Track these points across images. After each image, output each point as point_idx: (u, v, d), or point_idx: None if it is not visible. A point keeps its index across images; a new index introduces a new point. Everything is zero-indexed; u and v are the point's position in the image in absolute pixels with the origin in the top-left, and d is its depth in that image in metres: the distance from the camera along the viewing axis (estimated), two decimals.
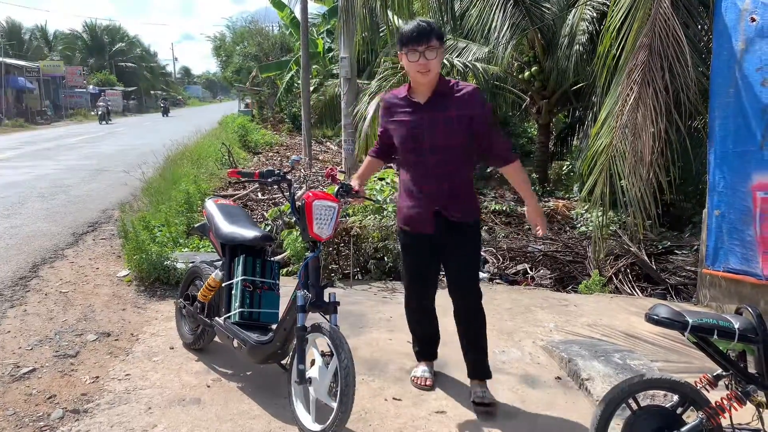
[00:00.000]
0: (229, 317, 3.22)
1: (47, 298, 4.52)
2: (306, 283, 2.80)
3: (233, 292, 3.24)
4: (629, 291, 5.61)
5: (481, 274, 6.11)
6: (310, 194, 2.86)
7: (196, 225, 3.81)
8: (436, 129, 2.85)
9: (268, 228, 5.95)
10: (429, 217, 2.96)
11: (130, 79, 53.46)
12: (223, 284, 3.32)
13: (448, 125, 2.84)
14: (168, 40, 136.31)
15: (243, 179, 3.08)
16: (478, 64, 10.04)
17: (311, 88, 17.37)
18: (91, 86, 44.71)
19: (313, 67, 19.51)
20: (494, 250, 6.82)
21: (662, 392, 2.63)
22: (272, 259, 3.41)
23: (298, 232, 4.25)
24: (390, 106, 3.04)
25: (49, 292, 4.63)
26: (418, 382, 3.24)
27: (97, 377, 3.28)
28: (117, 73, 52.70)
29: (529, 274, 6.25)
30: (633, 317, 4.41)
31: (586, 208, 9.17)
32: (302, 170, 10.94)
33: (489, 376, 3.12)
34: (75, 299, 4.51)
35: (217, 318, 3.34)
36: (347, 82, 9.87)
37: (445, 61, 9.47)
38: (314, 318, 2.77)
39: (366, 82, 12.38)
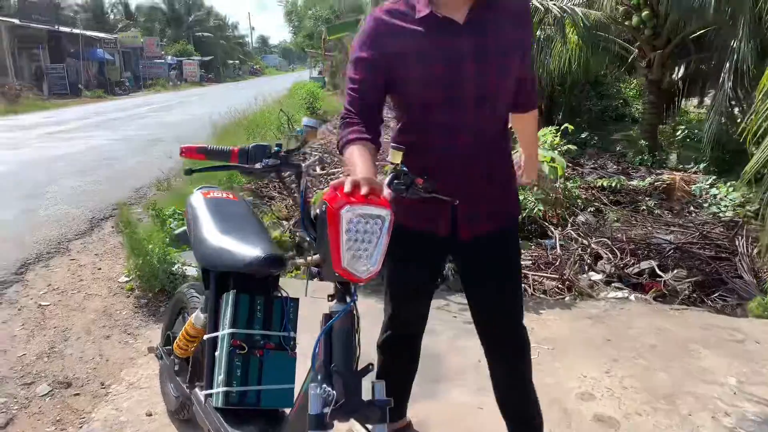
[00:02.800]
0: (210, 396, 1.92)
1: (18, 314, 3.40)
2: (327, 366, 1.44)
3: (217, 353, 1.92)
4: None
5: (594, 276, 4.56)
6: (337, 194, 1.48)
7: (177, 231, 2.49)
8: (487, 66, 1.69)
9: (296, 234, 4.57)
10: (445, 212, 1.80)
11: (207, 49, 53.69)
12: (206, 336, 2.01)
13: (502, 58, 1.71)
14: (245, 10, 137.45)
15: (204, 169, 1.68)
16: (578, 9, 8.40)
17: None
18: (169, 57, 45.03)
19: None
20: (608, 242, 5.20)
21: None
22: (282, 294, 2.01)
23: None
24: (392, 29, 1.71)
25: (25, 306, 3.52)
26: None
27: None
28: (194, 43, 53.02)
29: (659, 276, 4.60)
30: None
31: (710, 182, 7.33)
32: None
33: None
34: (52, 318, 3.37)
35: (197, 390, 2.06)
36: None
37: (538, 4, 7.78)
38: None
39: None
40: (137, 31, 42.39)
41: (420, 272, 1.93)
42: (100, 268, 4.16)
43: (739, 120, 6.86)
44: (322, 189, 5.13)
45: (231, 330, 1.88)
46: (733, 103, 7.47)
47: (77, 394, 2.62)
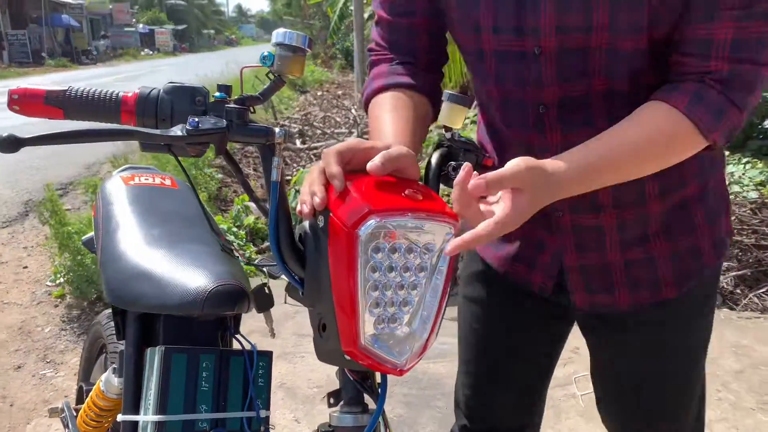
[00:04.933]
0: None
1: None
2: None
3: None
4: None
5: None
6: (349, 192, 0.70)
7: (84, 238, 1.66)
8: None
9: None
10: (544, 251, 0.99)
11: (181, 18, 51.84)
12: (120, 418, 1.23)
13: None
14: None
15: (45, 139, 0.86)
16: None
17: (365, 15, 15.03)
18: (140, 25, 43.25)
19: None
20: None
21: None
22: (244, 346, 1.17)
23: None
24: None
25: None
26: None
27: None
28: (167, 11, 51.12)
29: None
30: None
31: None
32: (353, 108, 8.67)
33: None
34: None
35: None
36: None
37: None
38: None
39: None
40: None
41: (511, 336, 1.12)
42: (26, 267, 3.33)
43: None
44: (305, 168, 4.28)
45: (157, 418, 1.09)
46: None
47: None
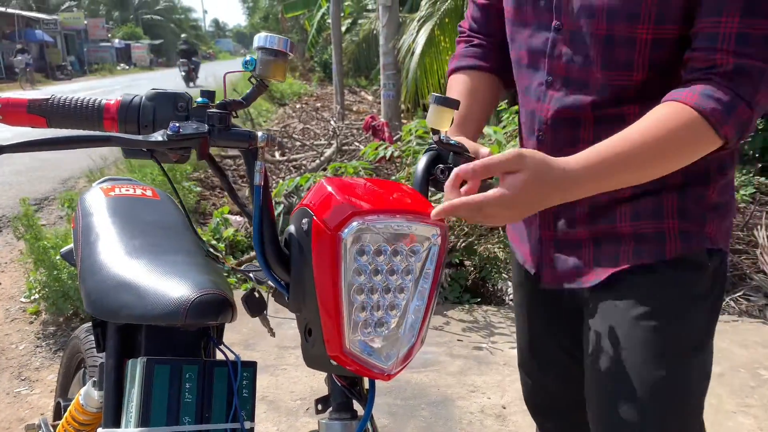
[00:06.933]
0: None
1: None
2: None
3: None
4: None
5: None
6: (332, 193, 0.70)
7: (63, 250, 1.62)
8: None
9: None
10: (533, 238, 1.03)
11: (157, 33, 51.53)
12: (101, 431, 1.20)
13: None
14: None
15: (25, 146, 0.83)
16: None
17: (343, 28, 15.10)
18: (116, 40, 42.89)
19: (345, 3, 17.03)
20: None
21: None
22: (227, 356, 1.15)
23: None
24: None
25: None
26: None
27: None
28: (143, 26, 50.81)
29: None
30: None
31: None
32: (333, 120, 8.69)
33: None
34: None
35: None
36: (387, 11, 7.55)
37: None
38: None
39: (408, 15, 10.07)
40: (80, 12, 40.22)
41: (532, 322, 1.15)
42: (0, 283, 3.26)
43: None
44: (285, 179, 4.27)
45: (139, 430, 1.07)
46: None
47: None
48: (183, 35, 26.09)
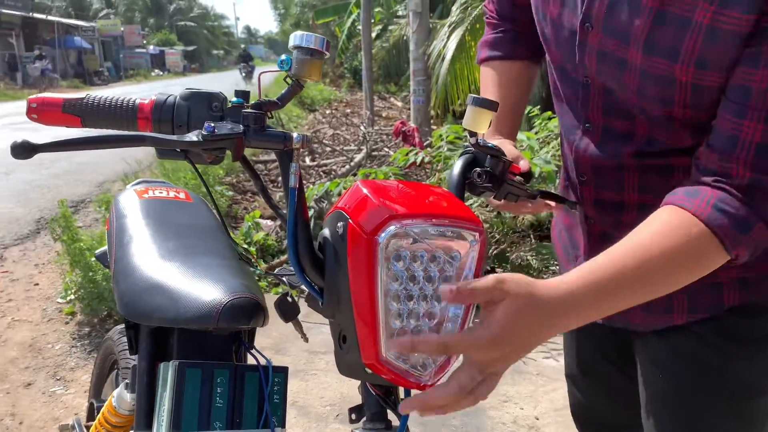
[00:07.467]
0: None
1: None
2: None
3: None
4: None
5: None
6: (368, 196, 0.67)
7: (98, 252, 1.64)
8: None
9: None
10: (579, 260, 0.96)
11: (191, 39, 52.53)
12: None
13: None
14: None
15: (61, 146, 0.84)
16: None
17: (373, 35, 15.17)
18: (151, 46, 43.80)
19: (375, 9, 17.10)
20: None
21: None
22: (260, 361, 1.14)
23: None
24: None
25: None
26: None
27: None
28: (177, 32, 51.83)
29: None
30: None
31: None
32: (362, 126, 8.70)
33: None
34: None
35: None
36: (417, 17, 7.56)
37: None
38: None
39: (438, 21, 10.06)
40: (117, 19, 41.22)
41: (583, 340, 1.09)
42: (37, 284, 3.32)
43: None
44: (315, 184, 4.26)
45: None
46: None
47: None
48: (242, 45, 31.93)
